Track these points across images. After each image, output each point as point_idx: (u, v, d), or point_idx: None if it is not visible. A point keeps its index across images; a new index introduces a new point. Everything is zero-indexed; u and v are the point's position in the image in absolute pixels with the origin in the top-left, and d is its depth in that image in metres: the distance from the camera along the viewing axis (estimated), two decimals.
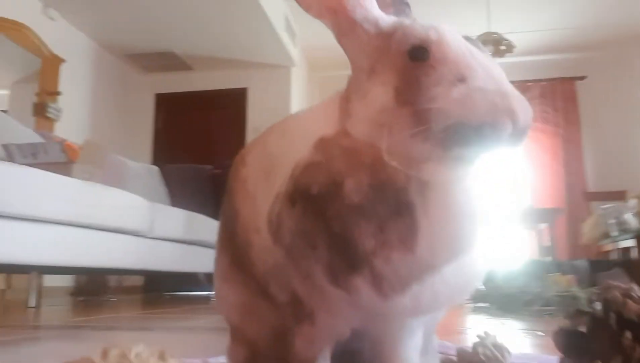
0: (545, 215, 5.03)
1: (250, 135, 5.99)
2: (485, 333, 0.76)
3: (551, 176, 6.06)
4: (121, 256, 2.93)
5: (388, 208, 0.50)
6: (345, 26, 0.57)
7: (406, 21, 0.56)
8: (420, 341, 0.63)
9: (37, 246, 2.25)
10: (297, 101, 6.14)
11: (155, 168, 4.54)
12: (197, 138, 6.09)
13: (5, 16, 4.50)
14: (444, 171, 0.51)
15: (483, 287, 2.91)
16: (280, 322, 0.60)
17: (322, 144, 0.55)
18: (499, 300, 2.31)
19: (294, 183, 0.54)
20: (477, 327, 1.75)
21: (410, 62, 0.52)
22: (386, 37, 0.55)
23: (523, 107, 0.50)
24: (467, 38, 0.56)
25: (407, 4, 0.65)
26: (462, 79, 0.50)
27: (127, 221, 2.88)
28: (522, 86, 6.17)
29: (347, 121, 0.55)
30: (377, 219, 0.50)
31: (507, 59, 4.99)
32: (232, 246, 0.65)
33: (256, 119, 6.03)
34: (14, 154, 2.66)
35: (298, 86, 6.25)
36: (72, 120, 5.30)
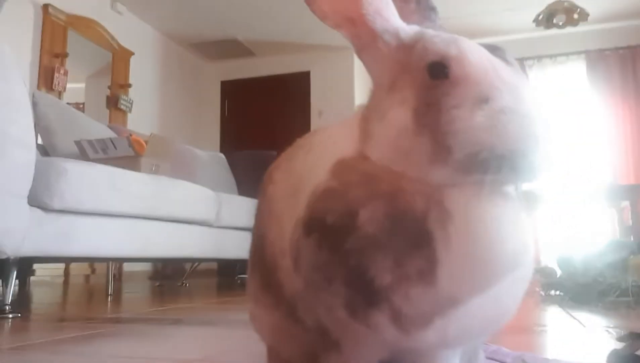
0: (628, 192, 4.74)
1: (314, 118, 5.99)
2: (523, 361, 0.71)
3: (633, 150, 5.69)
4: (191, 246, 3.02)
5: (406, 240, 0.47)
6: (364, 38, 0.53)
7: (428, 32, 0.52)
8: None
9: (110, 239, 2.35)
10: (361, 82, 6.07)
11: (222, 156, 4.63)
12: (262, 123, 6.16)
13: (77, 13, 4.69)
14: (468, 199, 0.47)
15: (559, 273, 2.78)
16: (310, 346, 0.58)
17: (339, 168, 0.52)
18: (573, 289, 2.19)
19: (310, 211, 0.51)
20: (547, 325, 1.67)
21: (430, 80, 0.48)
22: (407, 50, 0.51)
23: (552, 132, 0.46)
24: (494, 49, 0.51)
25: (434, 9, 0.60)
26: (485, 100, 0.46)
27: (195, 212, 2.96)
28: (599, 55, 5.80)
29: (366, 142, 0.52)
30: (393, 253, 0.47)
31: (581, 27, 4.71)
32: (261, 267, 0.63)
33: (319, 102, 6.02)
34: (85, 150, 2.78)
35: (361, 66, 6.14)
36: (142, 111, 5.49)
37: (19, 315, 1.88)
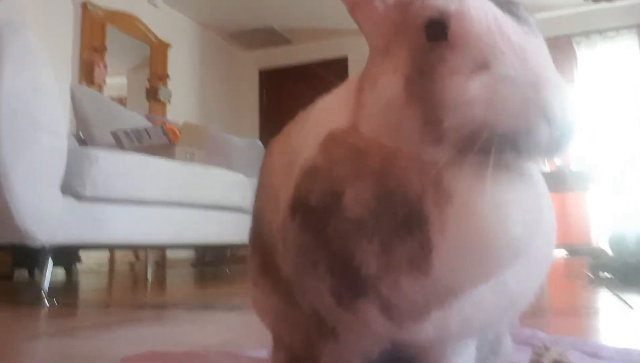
0: None
1: None
2: (545, 347, 0.64)
3: None
4: (226, 232, 3.02)
5: (395, 222, 0.41)
6: None
7: None
8: (474, 354, 0.53)
9: (144, 226, 2.37)
10: None
11: (259, 143, 4.62)
12: (300, 110, 6.13)
13: (115, 8, 4.75)
14: (471, 178, 0.40)
15: (610, 253, 2.65)
16: (309, 332, 0.54)
17: (329, 142, 0.46)
18: (622, 270, 2.08)
19: (295, 190, 0.46)
20: (594, 307, 1.58)
21: (426, 42, 0.42)
22: (404, 7, 0.45)
23: (564, 101, 0.38)
24: (505, 3, 0.43)
25: None
26: (484, 65, 0.39)
27: (228, 198, 2.95)
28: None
29: (358, 112, 0.46)
30: (381, 237, 0.41)
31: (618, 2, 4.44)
32: (259, 249, 0.59)
33: None
34: (121, 140, 2.80)
35: None
36: (182, 101, 5.54)
37: (55, 302, 1.91)
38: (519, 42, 0.41)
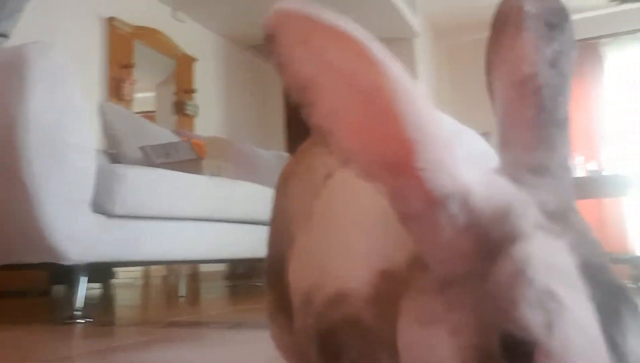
0: None
1: None
2: None
3: None
4: (257, 246, 3.01)
5: None
6: (413, 201, 0.32)
7: (525, 229, 0.31)
8: None
9: (175, 242, 2.38)
10: (425, 73, 5.89)
11: (286, 155, 4.62)
12: None
13: (140, 24, 4.82)
14: None
15: None
16: None
17: (381, 293, 0.39)
18: None
19: (329, 335, 0.42)
20: None
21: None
22: (476, 237, 0.31)
23: None
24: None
25: (560, 123, 0.36)
26: None
27: (257, 211, 2.94)
28: None
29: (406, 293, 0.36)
30: None
31: None
32: (277, 286, 0.56)
33: None
34: (150, 155, 2.83)
35: (424, 57, 5.97)
36: (209, 114, 5.58)
37: (92, 320, 1.91)
38: None
